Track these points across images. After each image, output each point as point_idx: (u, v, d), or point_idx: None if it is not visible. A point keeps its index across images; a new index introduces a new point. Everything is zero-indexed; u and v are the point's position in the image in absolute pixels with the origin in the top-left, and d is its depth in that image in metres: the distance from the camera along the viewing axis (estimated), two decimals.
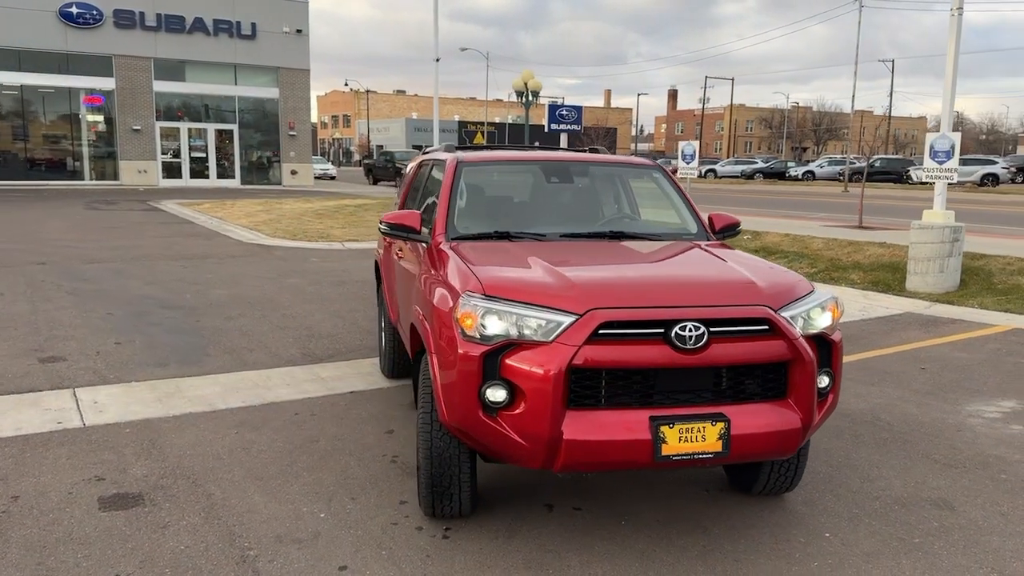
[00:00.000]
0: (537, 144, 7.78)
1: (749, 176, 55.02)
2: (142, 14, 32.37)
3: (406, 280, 4.79)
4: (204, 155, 35.22)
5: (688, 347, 3.14)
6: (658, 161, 7.55)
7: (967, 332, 8.16)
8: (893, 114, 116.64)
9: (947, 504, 4.05)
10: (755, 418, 3.24)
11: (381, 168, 41.49)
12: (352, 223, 18.41)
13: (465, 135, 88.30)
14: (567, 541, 3.62)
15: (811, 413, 3.33)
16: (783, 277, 3.60)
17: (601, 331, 3.12)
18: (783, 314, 3.32)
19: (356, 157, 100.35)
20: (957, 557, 3.50)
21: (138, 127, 33.19)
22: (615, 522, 3.82)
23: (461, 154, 4.87)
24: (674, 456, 3.15)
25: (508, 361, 3.19)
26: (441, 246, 4.19)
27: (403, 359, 6.14)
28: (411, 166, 6.32)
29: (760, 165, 57.12)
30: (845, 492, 4.18)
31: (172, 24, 33.00)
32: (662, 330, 3.16)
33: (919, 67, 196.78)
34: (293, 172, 36.83)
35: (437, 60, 22.65)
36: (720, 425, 3.17)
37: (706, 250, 4.08)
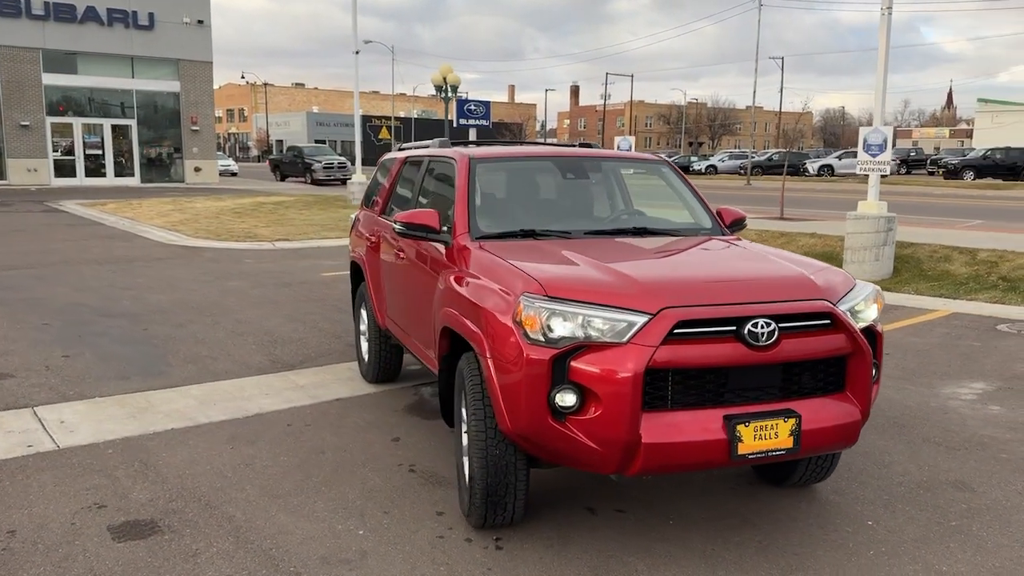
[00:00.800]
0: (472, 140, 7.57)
1: None
2: (28, 2, 30.29)
3: (417, 282, 4.61)
4: (100, 152, 33.30)
5: (760, 344, 3.12)
6: None
7: (912, 318, 8.55)
8: (781, 109, 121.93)
9: (966, 486, 4.21)
10: (821, 412, 3.26)
11: (289, 164, 40.28)
12: (276, 222, 17.78)
13: (370, 129, 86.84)
14: (624, 545, 3.56)
15: (869, 404, 3.37)
16: (831, 272, 3.64)
17: (675, 330, 3.06)
18: (840, 308, 3.34)
19: (254, 152, 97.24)
20: (997, 537, 3.63)
21: (26, 123, 31.07)
22: (663, 522, 3.78)
23: (472, 151, 4.72)
24: (750, 455, 3.13)
25: (577, 364, 3.09)
26: (467, 246, 4.05)
27: (391, 364, 5.94)
28: (392, 165, 6.09)
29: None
30: (868, 479, 4.28)
31: (62, 13, 31.01)
32: (734, 328, 3.14)
33: (803, 64, 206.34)
34: (197, 169, 35.31)
35: (357, 53, 22.12)
36: (792, 421, 3.17)
37: (739, 245, 4.09)
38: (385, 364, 5.92)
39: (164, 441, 4.85)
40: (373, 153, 79.34)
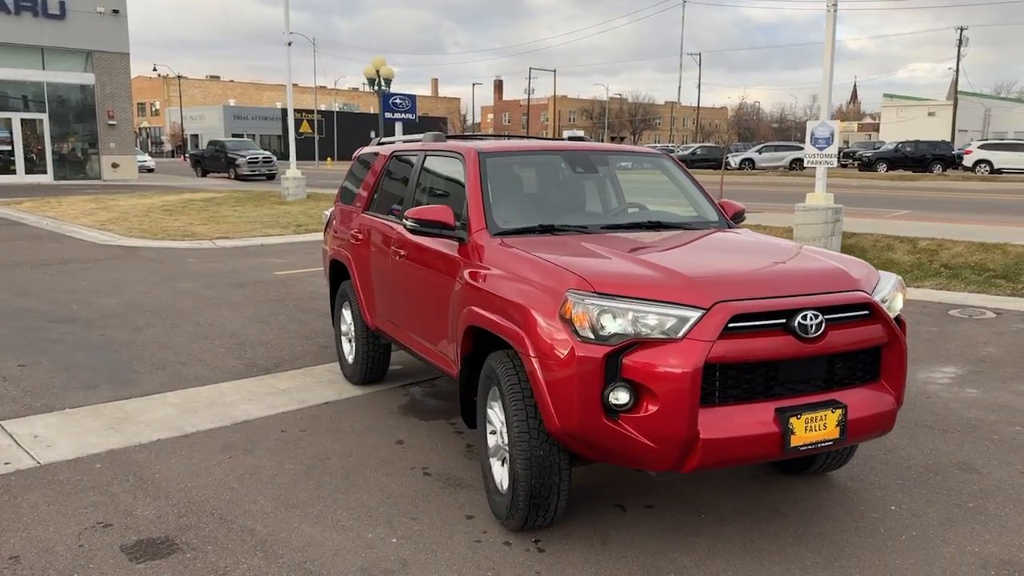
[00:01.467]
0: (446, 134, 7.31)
1: None
2: None
3: (424, 280, 4.48)
4: (9, 148, 31.49)
5: (809, 336, 3.14)
6: None
7: None
8: (699, 104, 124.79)
9: (971, 467, 4.35)
10: (862, 402, 3.30)
11: (211, 159, 39.01)
12: (211, 219, 17.16)
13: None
14: (664, 541, 3.54)
15: (902, 392, 3.44)
16: (859, 263, 3.70)
17: (729, 324, 3.05)
18: (875, 299, 3.40)
19: (168, 148, 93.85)
20: (1015, 516, 3.76)
21: None
22: (695, 516, 3.78)
23: (479, 144, 4.61)
24: (801, 447, 3.15)
25: (631, 361, 3.05)
26: (487, 242, 3.95)
27: (379, 365, 5.78)
28: (373, 160, 5.92)
29: None
30: (877, 465, 4.39)
31: None
32: (784, 320, 3.15)
33: (715, 60, 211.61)
34: (114, 165, 33.80)
35: (289, 44, 21.51)
36: (838, 412, 3.20)
37: (756, 238, 4.12)
38: (373, 365, 5.76)
39: (154, 453, 4.60)
40: (295, 147, 77.71)
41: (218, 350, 6.89)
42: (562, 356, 3.13)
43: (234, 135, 65.49)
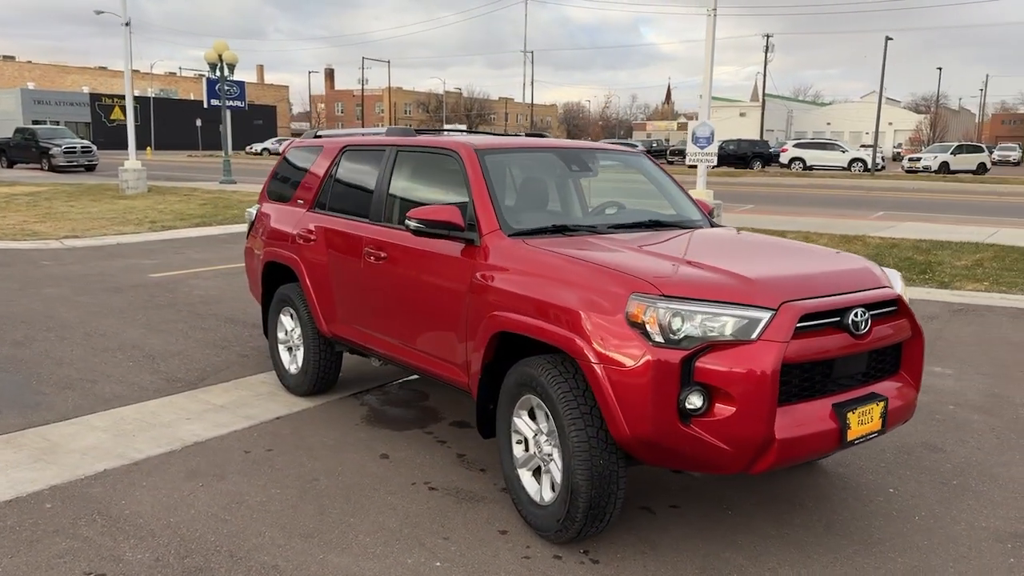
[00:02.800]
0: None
1: None
2: None
3: (420, 285, 4.22)
4: None
5: (859, 332, 3.25)
6: None
7: None
8: (532, 101, 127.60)
9: (935, 447, 4.70)
10: (895, 393, 3.47)
11: (19, 148, 35.17)
12: (47, 216, 15.49)
13: (100, 109, 78.08)
14: (708, 541, 3.55)
15: (920, 382, 3.64)
16: (869, 260, 3.87)
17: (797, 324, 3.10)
18: (902, 294, 3.57)
19: None
20: (993, 490, 4.09)
21: None
22: (724, 514, 3.83)
23: (472, 140, 4.40)
24: (855, 440, 3.26)
25: (704, 364, 3.02)
26: (504, 243, 3.79)
27: (331, 373, 5.43)
28: (317, 154, 5.52)
29: None
30: (858, 450, 4.62)
31: None
32: (838, 318, 3.23)
33: (540, 59, 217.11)
34: None
35: (127, 24, 19.75)
36: (881, 404, 3.34)
37: (769, 238, 4.22)
38: (324, 375, 5.40)
39: (109, 486, 4.06)
40: (104, 135, 71.37)
41: (125, 364, 6.21)
42: (634, 362, 3.05)
43: (34, 121, 59.63)
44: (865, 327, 3.27)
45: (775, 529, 3.67)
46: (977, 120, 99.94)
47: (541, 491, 3.57)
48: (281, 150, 6.25)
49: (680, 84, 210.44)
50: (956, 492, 4.08)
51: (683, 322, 3.03)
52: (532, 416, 3.64)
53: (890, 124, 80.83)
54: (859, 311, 3.27)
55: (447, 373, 4.13)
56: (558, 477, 3.41)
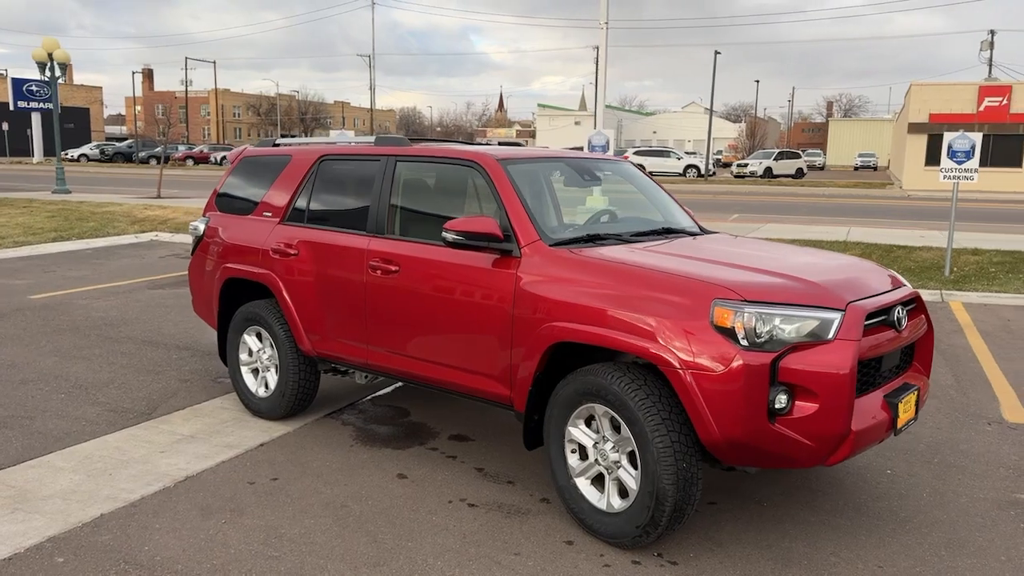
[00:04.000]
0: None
1: None
2: None
3: (442, 297, 4.13)
4: None
5: (901, 328, 3.55)
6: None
7: None
8: (360, 105, 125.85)
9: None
10: (920, 383, 3.80)
11: None
12: None
13: None
14: (763, 533, 3.73)
15: (930, 371, 4.01)
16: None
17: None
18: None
19: None
20: (976, 465, 4.55)
21: None
22: (758, 506, 4.02)
23: (491, 151, 4.34)
24: (901, 428, 3.54)
25: (788, 365, 3.18)
26: (549, 253, 3.80)
27: (310, 393, 5.18)
28: (284, 164, 5.24)
29: None
30: None
31: None
32: (885, 316, 3.51)
33: (365, 62, 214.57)
34: None
35: None
36: (915, 393, 3.65)
37: (777, 243, 4.46)
38: (304, 395, 5.15)
39: (119, 531, 3.69)
40: None
41: (56, 396, 5.62)
42: (725, 366, 3.16)
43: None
44: (904, 323, 3.57)
45: (812, 515, 3.91)
46: (784, 128, 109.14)
47: (607, 498, 3.61)
48: (230, 158, 5.87)
49: (513, 93, 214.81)
50: (942, 469, 4.50)
51: (768, 325, 3.18)
52: (587, 424, 3.68)
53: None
54: (899, 308, 3.57)
55: (480, 386, 4.07)
56: (632, 483, 3.47)
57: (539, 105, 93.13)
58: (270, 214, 5.23)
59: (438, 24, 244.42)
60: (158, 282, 10.15)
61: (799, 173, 45.45)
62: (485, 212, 4.33)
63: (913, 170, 36.32)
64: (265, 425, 5.15)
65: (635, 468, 3.49)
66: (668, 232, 4.50)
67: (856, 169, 67.84)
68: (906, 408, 3.56)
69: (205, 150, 58.35)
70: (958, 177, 10.30)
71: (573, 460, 3.75)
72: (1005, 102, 33.73)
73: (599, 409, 3.56)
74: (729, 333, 3.19)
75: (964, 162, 10.16)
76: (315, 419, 5.27)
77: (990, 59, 60.18)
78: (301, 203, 5.08)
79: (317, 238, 4.86)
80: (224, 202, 5.66)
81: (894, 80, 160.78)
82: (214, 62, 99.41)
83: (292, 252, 4.96)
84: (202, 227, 5.74)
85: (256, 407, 5.30)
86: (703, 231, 4.84)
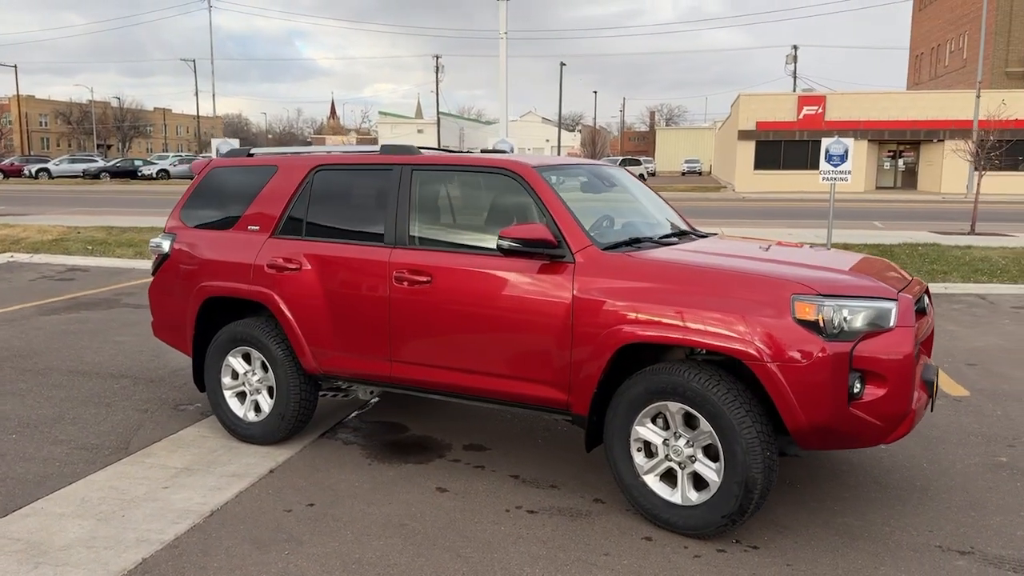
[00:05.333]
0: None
1: (94, 175, 50.11)
2: None
3: (487, 307, 4.10)
4: None
5: (927, 315, 3.93)
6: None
7: None
8: (183, 112, 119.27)
9: None
10: (934, 364, 4.21)
11: None
12: None
13: None
14: (817, 513, 3.98)
15: (931, 355, 4.44)
16: None
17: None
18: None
19: None
20: (949, 436, 5.07)
21: None
22: (792, 488, 4.29)
23: (522, 159, 4.34)
24: (934, 405, 3.91)
25: (859, 352, 3.45)
26: (606, 258, 3.90)
27: (309, 412, 4.96)
28: (275, 173, 4.99)
29: (103, 163, 52.50)
30: None
31: None
32: (918, 303, 3.87)
33: (186, 68, 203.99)
34: None
35: None
36: (937, 374, 4.05)
37: (787, 242, 4.78)
38: (304, 416, 4.93)
39: (177, 574, 3.40)
40: None
41: (7, 438, 5.06)
42: (812, 357, 3.38)
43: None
44: (926, 310, 3.96)
45: (846, 492, 4.22)
46: (616, 136, 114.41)
47: (682, 492, 3.73)
48: (195, 169, 5.50)
49: (344, 99, 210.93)
50: (926, 442, 4.98)
51: (843, 317, 3.44)
52: (653, 421, 3.80)
53: (547, 141, 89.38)
54: (924, 297, 3.95)
55: (531, 392, 4.08)
56: (713, 475, 3.62)
57: (380, 113, 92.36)
58: (257, 227, 4.97)
59: (260, 28, 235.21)
60: (47, 307, 9.24)
61: (641, 178, 47.84)
62: (519, 220, 4.33)
63: (744, 174, 39.20)
64: (262, 451, 4.88)
65: (714, 460, 3.64)
66: (683, 234, 4.71)
67: (683, 174, 72.10)
68: (933, 388, 3.94)
69: (16, 162, 53.18)
70: (835, 179, 11.31)
71: (639, 458, 3.85)
72: (821, 110, 37.20)
73: (673, 406, 3.69)
74: (812, 326, 3.42)
75: (839, 165, 11.18)
76: (310, 441, 5.05)
77: (794, 71, 66.02)
78: (297, 215, 4.86)
79: (323, 251, 4.67)
80: (193, 216, 5.30)
81: (706, 91, 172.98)
82: (15, 66, 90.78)
83: (292, 267, 4.73)
84: (167, 245, 5.33)
85: (246, 432, 5.00)
86: (705, 233, 5.09)
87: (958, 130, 35.21)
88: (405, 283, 4.37)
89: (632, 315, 3.72)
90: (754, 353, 3.44)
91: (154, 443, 5.02)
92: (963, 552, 3.56)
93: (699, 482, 3.73)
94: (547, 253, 3.96)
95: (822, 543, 3.67)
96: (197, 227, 5.25)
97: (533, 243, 3.90)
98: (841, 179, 11.26)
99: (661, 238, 4.48)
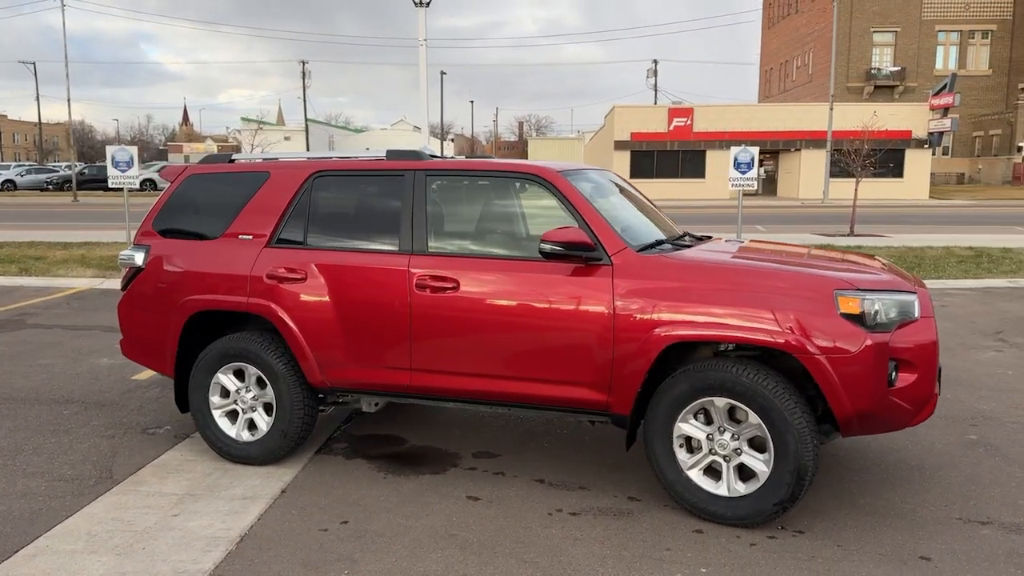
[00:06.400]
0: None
1: None
2: None
3: (517, 310, 4.10)
4: None
5: None
6: None
7: None
8: (21, 119, 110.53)
9: None
10: None
11: None
12: None
13: None
14: (844, 494, 4.22)
15: None
16: None
17: None
18: None
19: None
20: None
21: None
22: (828, 471, 4.52)
23: (546, 165, 4.35)
24: (940, 390, 4.24)
25: (893, 342, 3.70)
26: (645, 260, 4.00)
27: (310, 430, 4.77)
28: (267, 180, 4.77)
29: None
30: None
31: None
32: None
33: (19, 71, 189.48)
34: None
35: None
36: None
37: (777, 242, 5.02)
38: (306, 431, 4.74)
39: None
40: None
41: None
42: (858, 348, 3.59)
43: None
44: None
45: (857, 476, 4.48)
46: (486, 145, 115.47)
47: (728, 484, 3.86)
48: (167, 177, 5.15)
49: (198, 105, 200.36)
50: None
51: (880, 310, 3.68)
52: (695, 417, 3.92)
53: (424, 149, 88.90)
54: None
55: (567, 394, 4.10)
56: (761, 466, 3.77)
57: (243, 119, 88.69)
58: (250, 237, 4.74)
59: (102, 30, 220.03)
60: None
61: None
62: (549, 225, 4.35)
63: None
64: (261, 471, 4.65)
65: (760, 452, 3.80)
66: (688, 236, 4.88)
67: None
68: (941, 372, 4.27)
69: None
70: (742, 185, 11.95)
71: (682, 454, 3.96)
72: (689, 122, 39.03)
73: (719, 402, 3.82)
74: (857, 319, 3.64)
75: (747, 172, 11.82)
76: (308, 459, 4.85)
77: (655, 84, 69.05)
78: (296, 223, 4.67)
79: (332, 260, 4.51)
80: (169, 227, 4.98)
81: (566, 103, 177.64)
82: None
83: (297, 276, 4.55)
84: (141, 257, 4.98)
85: (241, 453, 4.74)
86: (703, 237, 5.27)
87: (813, 140, 37.96)
88: (428, 290, 4.29)
89: (678, 315, 3.83)
90: (806, 347, 3.63)
91: (138, 470, 4.68)
92: (983, 523, 3.88)
93: (743, 473, 3.87)
94: (585, 256, 4.01)
95: (857, 523, 3.89)
96: (176, 238, 4.94)
97: (574, 246, 3.94)
98: (748, 185, 11.91)
99: (674, 240, 4.63)
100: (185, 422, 5.48)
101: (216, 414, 4.81)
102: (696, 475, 3.94)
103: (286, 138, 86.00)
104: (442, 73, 47.29)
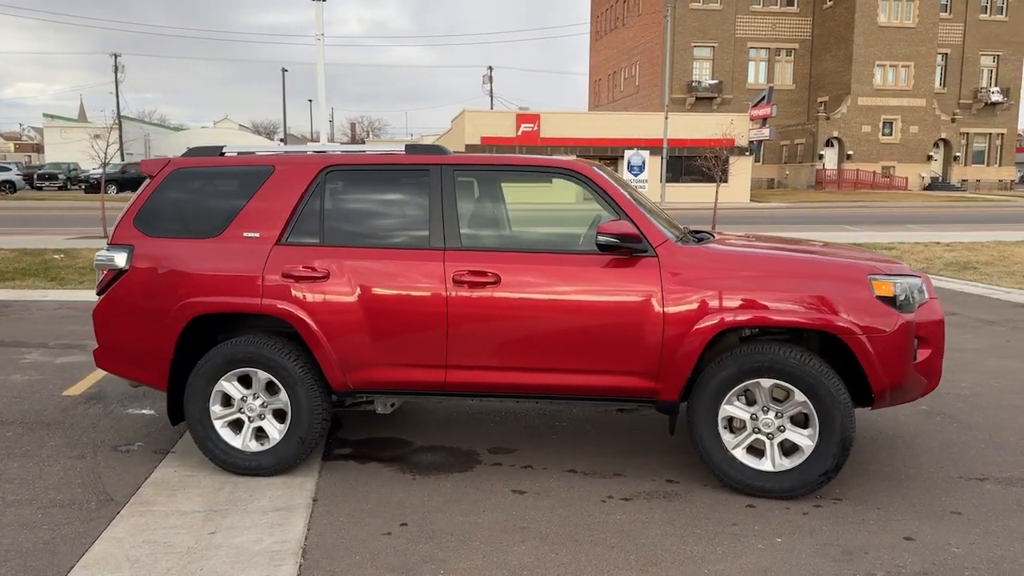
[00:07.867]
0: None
1: None
2: None
3: (565, 303, 4.15)
4: None
5: None
6: None
7: None
8: None
9: None
10: None
11: None
12: None
13: None
14: (869, 464, 4.56)
15: None
16: None
17: None
18: None
19: None
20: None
21: None
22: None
23: (577, 160, 4.40)
24: None
25: (915, 320, 4.12)
26: (689, 251, 4.19)
27: (324, 435, 4.60)
28: (272, 174, 4.51)
29: None
30: None
31: None
32: None
33: None
34: None
35: None
36: None
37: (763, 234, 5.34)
38: (322, 435, 4.55)
39: None
40: None
41: None
42: (893, 327, 3.95)
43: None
44: None
45: (871, 441, 4.87)
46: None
47: (772, 459, 4.11)
48: (149, 171, 4.72)
49: None
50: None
51: (907, 292, 4.07)
52: (738, 398, 4.15)
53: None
54: None
55: (615, 383, 4.19)
56: (805, 440, 4.04)
57: (45, 115, 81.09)
58: (257, 234, 4.47)
59: None
60: None
61: None
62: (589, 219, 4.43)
63: None
64: (276, 481, 4.41)
65: (803, 427, 4.08)
66: (706, 232, 5.13)
67: None
68: None
69: None
70: (636, 186, 12.52)
71: (727, 435, 4.17)
72: (536, 127, 40.05)
73: (765, 383, 4.06)
74: (891, 301, 4.00)
75: (639, 174, 12.41)
76: (317, 467, 4.63)
77: (491, 91, 70.37)
78: (310, 219, 4.46)
79: (357, 257, 4.36)
80: (154, 224, 4.60)
81: (394, 105, 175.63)
82: None
83: (318, 275, 4.35)
84: (121, 258, 4.56)
85: (250, 464, 4.47)
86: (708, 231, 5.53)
87: (648, 146, 40.10)
88: (466, 285, 4.24)
89: (727, 302, 4.03)
90: (851, 327, 3.95)
91: (137, 490, 4.29)
92: (981, 479, 4.37)
93: (784, 448, 4.14)
94: (633, 248, 4.13)
95: (880, 488, 4.27)
96: (164, 237, 4.56)
97: (627, 238, 4.05)
98: (640, 187, 12.50)
99: (695, 233, 4.86)
100: (157, 437, 5.07)
101: (218, 424, 4.50)
102: (740, 454, 4.16)
103: (96, 136, 79.46)
104: (283, 70, 45.84)
